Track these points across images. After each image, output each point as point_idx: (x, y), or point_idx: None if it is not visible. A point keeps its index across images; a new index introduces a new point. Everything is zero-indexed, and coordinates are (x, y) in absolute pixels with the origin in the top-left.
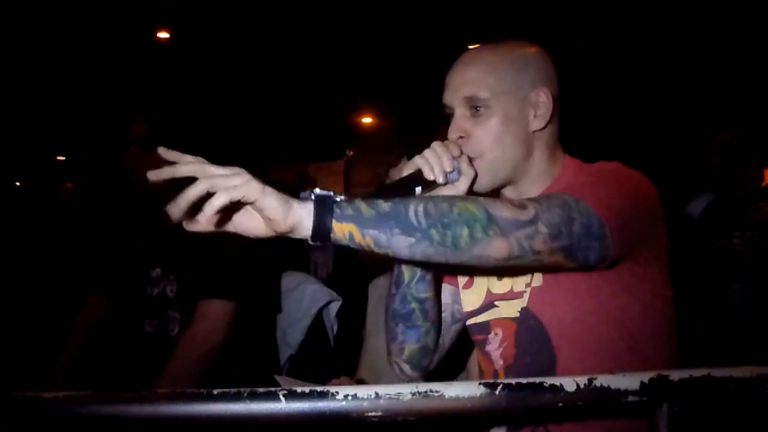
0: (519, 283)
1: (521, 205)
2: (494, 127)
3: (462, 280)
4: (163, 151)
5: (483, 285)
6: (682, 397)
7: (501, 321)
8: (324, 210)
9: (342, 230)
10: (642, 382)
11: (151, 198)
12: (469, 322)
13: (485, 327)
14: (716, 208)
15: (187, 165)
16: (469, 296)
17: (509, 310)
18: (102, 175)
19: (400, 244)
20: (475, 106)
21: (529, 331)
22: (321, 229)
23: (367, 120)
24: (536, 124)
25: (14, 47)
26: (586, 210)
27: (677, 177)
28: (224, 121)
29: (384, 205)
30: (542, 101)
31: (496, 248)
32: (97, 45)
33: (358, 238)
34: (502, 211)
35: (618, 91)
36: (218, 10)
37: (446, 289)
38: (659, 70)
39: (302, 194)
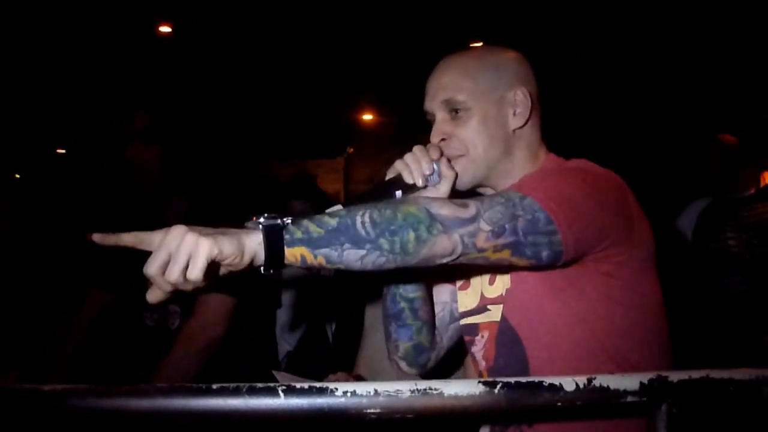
0: (503, 287)
1: (463, 204)
2: (474, 127)
3: (459, 281)
4: (98, 237)
5: (478, 288)
6: (681, 397)
7: (489, 324)
8: (274, 238)
9: (294, 254)
10: (641, 383)
11: (152, 191)
12: (463, 322)
13: (474, 329)
14: (713, 211)
15: (127, 236)
16: (464, 298)
17: (496, 313)
18: (102, 168)
19: (350, 257)
20: (454, 109)
21: (505, 334)
22: (274, 258)
23: (367, 117)
24: (515, 122)
25: (15, 41)
26: (531, 205)
27: (677, 177)
28: (224, 118)
29: (332, 221)
30: (520, 100)
31: (442, 247)
32: (96, 39)
33: (309, 259)
34: (443, 210)
35: (618, 91)
36: (219, 7)
37: (445, 288)
38: (659, 70)
39: (249, 224)
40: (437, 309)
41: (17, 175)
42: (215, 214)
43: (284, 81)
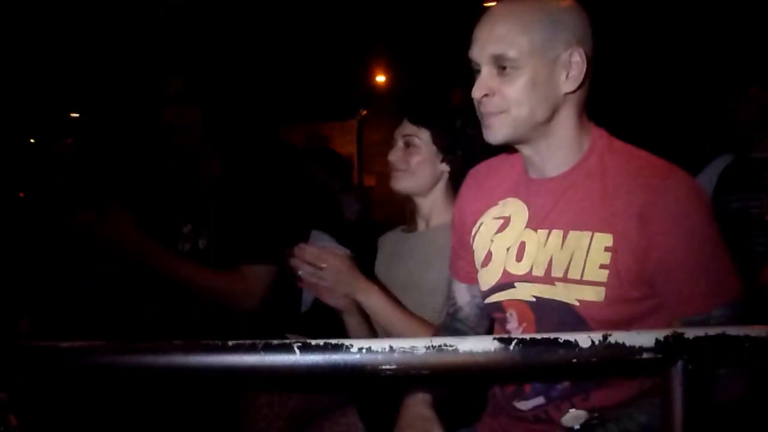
0: (539, 268)
1: None
2: (521, 87)
3: (479, 257)
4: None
5: (500, 263)
6: (697, 354)
7: (515, 303)
8: None
9: None
10: (657, 339)
11: (190, 153)
12: (486, 301)
13: (498, 307)
14: (735, 170)
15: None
16: (486, 275)
17: (523, 292)
18: (125, 133)
19: None
20: (502, 65)
21: (561, 323)
22: None
23: (380, 79)
24: (567, 86)
25: (34, 5)
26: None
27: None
28: (246, 80)
29: None
30: (575, 62)
31: None
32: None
33: None
34: None
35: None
36: None
37: (462, 287)
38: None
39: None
40: (466, 310)
41: (32, 140)
42: (248, 179)
43: (298, 43)
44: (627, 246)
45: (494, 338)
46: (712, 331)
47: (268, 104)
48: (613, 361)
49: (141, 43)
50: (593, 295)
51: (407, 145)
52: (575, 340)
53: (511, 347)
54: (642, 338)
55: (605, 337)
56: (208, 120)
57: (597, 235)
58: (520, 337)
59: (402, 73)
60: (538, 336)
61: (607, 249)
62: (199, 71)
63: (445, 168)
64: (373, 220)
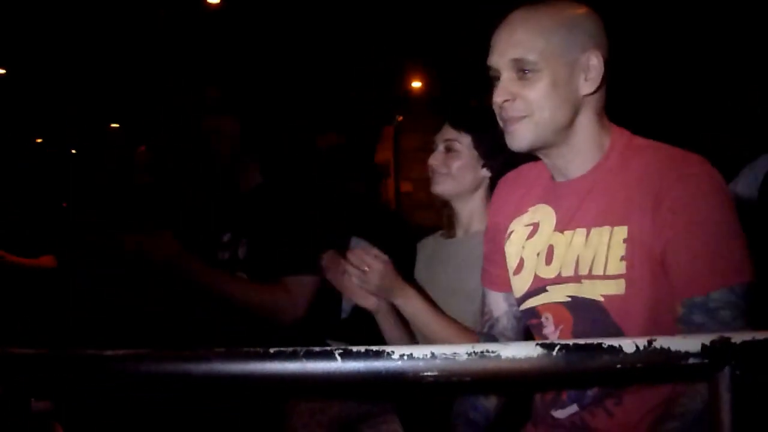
0: (568, 268)
1: None
2: (542, 90)
3: (512, 264)
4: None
5: (531, 269)
6: (745, 359)
7: (549, 306)
8: None
9: None
10: (703, 344)
11: (229, 162)
12: (521, 307)
13: (534, 313)
14: None
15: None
16: (518, 282)
17: (557, 294)
18: (174, 142)
19: None
20: (522, 69)
21: (593, 320)
22: None
23: (416, 84)
24: (586, 88)
25: (76, 20)
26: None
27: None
28: (283, 90)
29: None
30: (593, 65)
31: None
32: (147, 15)
33: None
34: None
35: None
36: None
37: (499, 296)
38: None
39: None
40: (503, 321)
41: (73, 151)
42: (288, 189)
43: (337, 54)
44: (640, 233)
45: (537, 344)
46: (761, 336)
47: (305, 113)
48: (658, 367)
49: (178, 53)
50: (615, 288)
51: (448, 149)
52: (619, 345)
53: (554, 353)
54: (688, 343)
55: (650, 342)
56: (247, 129)
57: (615, 229)
58: (564, 342)
59: (438, 79)
60: (582, 341)
61: (624, 241)
62: (237, 81)
63: (486, 173)
64: (410, 225)
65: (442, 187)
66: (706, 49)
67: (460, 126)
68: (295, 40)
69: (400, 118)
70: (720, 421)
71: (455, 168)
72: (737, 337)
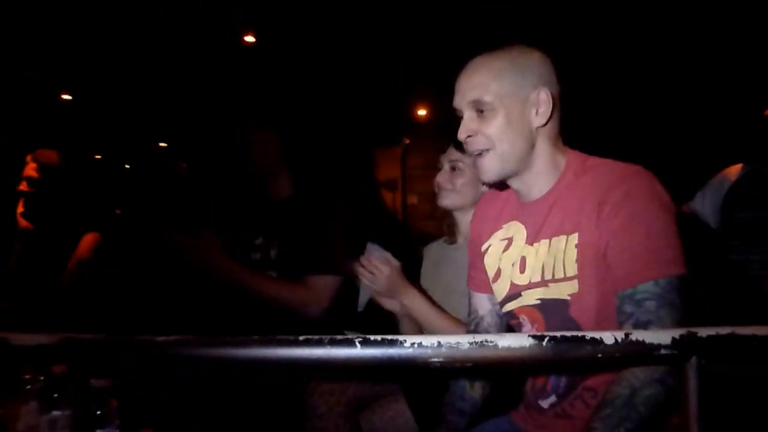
0: (536, 275)
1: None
2: (498, 125)
3: (491, 272)
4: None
5: (507, 277)
6: (709, 351)
7: (524, 308)
8: None
9: None
10: (673, 338)
11: (265, 173)
12: (503, 310)
13: (513, 314)
14: (748, 180)
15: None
16: (497, 288)
17: (529, 298)
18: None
19: None
20: (480, 109)
21: (559, 318)
22: None
23: (421, 112)
24: (538, 120)
25: (119, 46)
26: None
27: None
28: (316, 107)
29: None
30: (543, 100)
31: None
32: (190, 46)
33: None
34: None
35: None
36: (288, 21)
37: (483, 297)
38: (662, 65)
39: None
40: (488, 319)
41: (127, 166)
42: (317, 199)
43: (353, 82)
44: (589, 237)
45: (529, 335)
46: (723, 331)
47: (333, 131)
48: (633, 356)
49: (223, 73)
50: (572, 288)
51: (453, 168)
52: (600, 337)
53: (544, 343)
54: (660, 336)
55: (627, 335)
56: (285, 143)
57: (570, 237)
58: (552, 334)
59: (440, 108)
60: (569, 334)
61: (576, 246)
62: (278, 100)
63: (485, 189)
64: (415, 233)
65: (448, 201)
66: (706, 49)
67: (463, 149)
68: (324, 71)
69: (407, 140)
70: (687, 402)
71: (459, 184)
72: (703, 332)
